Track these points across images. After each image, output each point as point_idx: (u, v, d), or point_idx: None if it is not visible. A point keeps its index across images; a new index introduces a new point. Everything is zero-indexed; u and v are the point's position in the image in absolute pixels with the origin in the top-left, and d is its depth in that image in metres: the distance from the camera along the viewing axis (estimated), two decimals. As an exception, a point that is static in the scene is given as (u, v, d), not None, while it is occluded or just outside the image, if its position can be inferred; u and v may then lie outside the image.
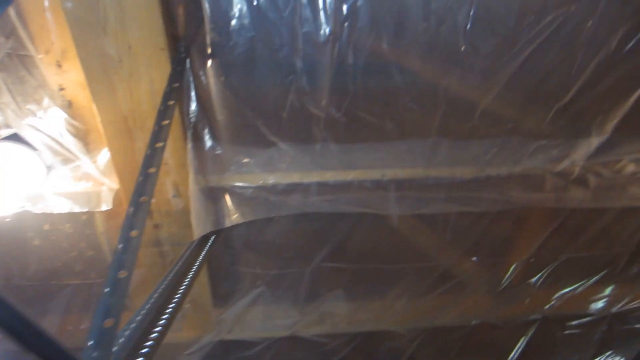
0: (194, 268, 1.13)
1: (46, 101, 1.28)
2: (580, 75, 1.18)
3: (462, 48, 1.11)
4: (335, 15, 1.04)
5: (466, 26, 1.08)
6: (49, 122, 1.29)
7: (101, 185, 1.38)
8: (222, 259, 1.56)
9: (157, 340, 0.70)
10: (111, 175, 1.37)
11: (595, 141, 1.31)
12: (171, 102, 1.06)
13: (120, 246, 0.70)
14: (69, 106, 1.30)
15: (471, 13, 1.06)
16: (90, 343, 0.56)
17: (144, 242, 1.52)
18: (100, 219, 1.49)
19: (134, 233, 0.73)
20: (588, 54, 1.15)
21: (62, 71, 1.24)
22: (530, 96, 1.22)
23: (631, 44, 1.13)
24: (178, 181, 1.34)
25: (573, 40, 1.12)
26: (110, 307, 0.59)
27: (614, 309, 1.65)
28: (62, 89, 1.28)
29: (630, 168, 1.36)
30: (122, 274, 0.65)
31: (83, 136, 1.36)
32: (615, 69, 1.18)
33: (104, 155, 1.36)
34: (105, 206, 1.37)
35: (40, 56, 1.19)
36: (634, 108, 1.25)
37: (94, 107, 1.20)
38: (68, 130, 1.33)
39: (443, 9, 1.05)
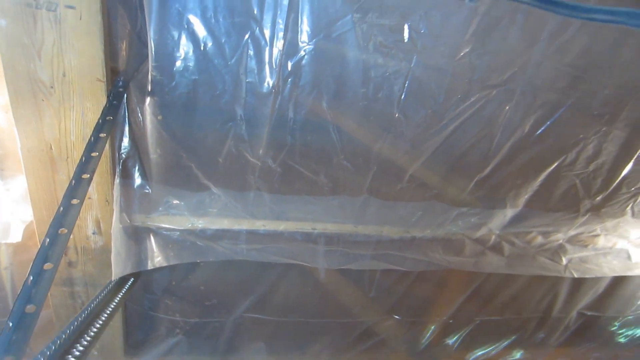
0: (108, 311, 1.05)
1: (-39, 119, 1.18)
2: (497, 152, 1.29)
3: (396, 115, 1.17)
4: (279, 70, 1.07)
5: (401, 96, 1.15)
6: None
7: (11, 215, 1.27)
8: (140, 303, 1.46)
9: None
10: (25, 206, 1.26)
11: (509, 212, 1.41)
12: (103, 135, 1.02)
13: (30, 278, 0.64)
14: (-14, 127, 1.21)
15: (406, 85, 1.13)
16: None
17: (54, 280, 1.39)
18: (7, 252, 1.35)
19: (47, 266, 0.67)
20: (505, 134, 1.26)
21: (-17, 90, 1.16)
22: (453, 166, 1.31)
23: (541, 129, 1.27)
24: (100, 217, 1.26)
25: (492, 121, 1.23)
26: (12, 345, 0.52)
27: (523, 373, 1.72)
28: (-19, 108, 1.19)
29: (539, 240, 1.48)
30: (30, 308, 0.58)
31: (-1, 160, 1.26)
32: (527, 149, 1.30)
33: (20, 183, 1.25)
34: (13, 238, 1.25)
35: (-39, 70, 1.11)
36: (542, 186, 1.37)
37: (15, 132, 1.12)
38: (-17, 153, 1.23)
39: (381, 78, 1.12)
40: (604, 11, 0.43)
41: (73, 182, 0.91)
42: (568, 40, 1.10)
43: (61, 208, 0.83)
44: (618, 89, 1.20)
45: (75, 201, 0.87)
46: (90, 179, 0.94)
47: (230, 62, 1.07)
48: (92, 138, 1.01)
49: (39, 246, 0.75)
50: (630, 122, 1.27)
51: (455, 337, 1.62)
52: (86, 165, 0.95)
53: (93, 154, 0.97)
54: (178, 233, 1.29)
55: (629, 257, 1.55)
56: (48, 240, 0.74)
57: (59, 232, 0.78)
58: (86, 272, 1.33)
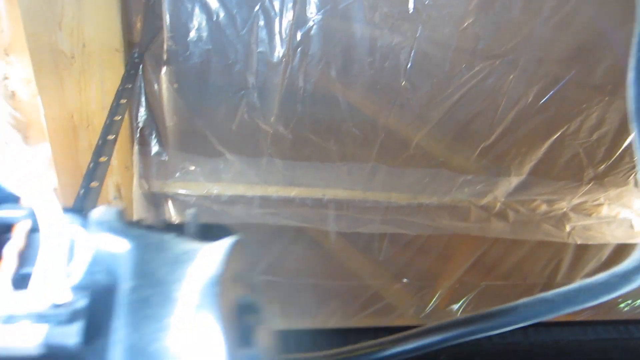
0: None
1: (-14, 88, 1.28)
2: (502, 121, 1.35)
3: (402, 84, 1.25)
4: (289, 40, 1.15)
5: (407, 65, 1.22)
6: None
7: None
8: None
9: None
10: (49, 173, 1.37)
11: (514, 180, 1.48)
12: (123, 101, 1.11)
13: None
14: (11, 97, 1.31)
15: (412, 54, 1.20)
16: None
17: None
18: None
19: (81, 216, 0.77)
20: (509, 102, 1.32)
21: (7, 62, 1.25)
22: (459, 134, 1.38)
23: (545, 99, 1.32)
24: (120, 183, 1.37)
25: (497, 90, 1.29)
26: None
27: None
28: (6, 78, 1.28)
29: (544, 208, 1.55)
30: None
31: (23, 129, 1.36)
32: (532, 118, 1.36)
33: (43, 150, 1.36)
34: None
35: (-14, 41, 1.20)
36: (547, 154, 1.44)
37: (39, 101, 1.22)
38: (7, 121, 1.33)
39: (387, 48, 1.19)
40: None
41: (100, 142, 1.01)
42: (569, 12, 1.15)
43: (91, 164, 0.93)
44: (619, 60, 1.25)
45: (103, 159, 0.97)
46: (115, 139, 1.03)
47: (242, 33, 1.14)
48: (114, 103, 1.10)
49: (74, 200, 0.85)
50: (634, 91, 1.32)
51: (461, 302, 1.72)
52: (110, 127, 1.05)
53: (116, 118, 1.07)
54: (194, 198, 1.40)
55: (631, 226, 1.62)
56: (82, 191, 0.84)
57: (91, 185, 0.88)
58: (108, 236, 1.45)
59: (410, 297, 1.70)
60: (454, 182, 1.47)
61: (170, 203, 1.41)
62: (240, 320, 0.27)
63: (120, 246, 0.29)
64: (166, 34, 1.14)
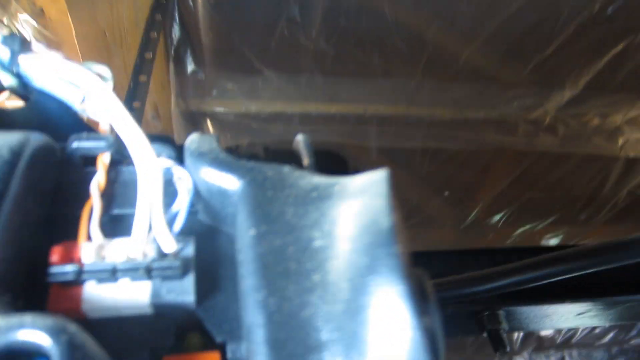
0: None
1: (14, 6, 1.27)
2: (562, 32, 1.29)
3: (456, -8, 1.19)
4: (333, -55, 1.09)
5: (461, -30, 1.15)
6: (15, 30, 1.29)
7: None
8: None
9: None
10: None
11: (567, 94, 1.45)
12: (158, 16, 1.11)
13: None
14: (40, 15, 1.30)
15: (467, -43, 1.12)
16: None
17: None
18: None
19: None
20: (573, 11, 1.25)
21: (33, -25, 1.23)
22: (512, 47, 1.33)
23: (610, 8, 1.24)
24: (158, 102, 1.39)
25: (560, -3, 1.22)
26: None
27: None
28: (32, -6, 1.27)
29: (596, 121, 1.53)
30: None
31: (55, 48, 1.37)
32: (596, 28, 1.29)
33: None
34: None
35: (10, -44, 1.17)
36: (605, 67, 1.38)
37: (69, 19, 1.21)
38: (38, 41, 1.34)
39: (442, -50, 1.11)
40: None
41: (138, 60, 1.02)
42: None
43: (131, 84, 0.96)
44: None
45: (142, 77, 0.99)
46: (153, 58, 1.05)
47: (282, -63, 1.08)
48: (149, 19, 1.10)
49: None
50: None
51: (502, 213, 1.78)
52: (147, 44, 1.06)
53: (152, 35, 1.07)
54: (233, 116, 1.43)
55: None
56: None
57: (134, 105, 0.92)
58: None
59: (450, 210, 1.76)
60: (503, 96, 1.45)
61: (208, 121, 1.45)
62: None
63: (228, 182, 0.24)
64: (199, -58, 1.09)
